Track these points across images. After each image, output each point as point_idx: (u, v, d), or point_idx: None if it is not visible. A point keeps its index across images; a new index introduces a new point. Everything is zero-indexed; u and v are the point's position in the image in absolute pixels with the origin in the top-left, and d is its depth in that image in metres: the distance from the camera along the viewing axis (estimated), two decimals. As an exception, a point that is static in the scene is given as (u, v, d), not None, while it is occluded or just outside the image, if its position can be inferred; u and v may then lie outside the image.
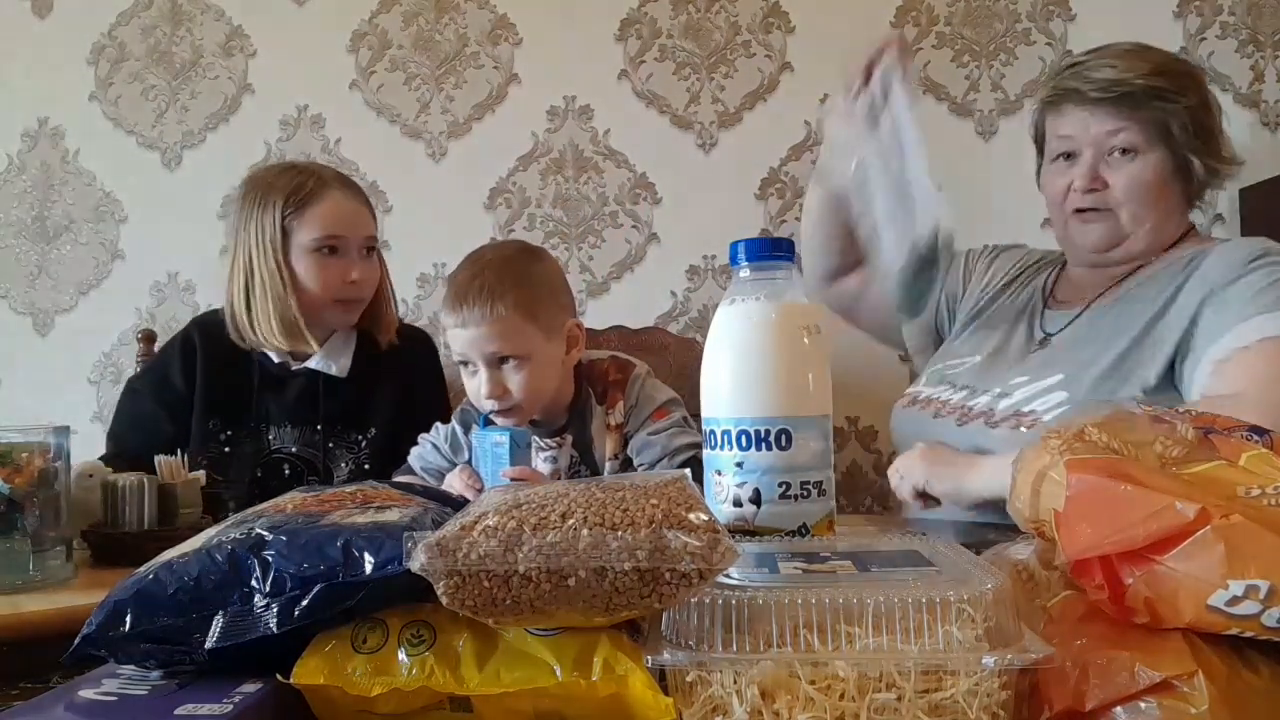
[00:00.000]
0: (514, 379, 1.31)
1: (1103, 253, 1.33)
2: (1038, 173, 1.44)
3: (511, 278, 1.33)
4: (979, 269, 1.55)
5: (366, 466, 1.58)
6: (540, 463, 1.38)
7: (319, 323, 1.57)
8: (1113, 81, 1.26)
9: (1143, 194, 1.28)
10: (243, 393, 1.58)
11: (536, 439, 1.38)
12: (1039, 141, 1.43)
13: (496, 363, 1.30)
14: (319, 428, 1.58)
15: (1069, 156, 1.32)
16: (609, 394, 1.41)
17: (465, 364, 1.33)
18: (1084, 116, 1.29)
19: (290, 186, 1.53)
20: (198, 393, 1.58)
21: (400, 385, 1.64)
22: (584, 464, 1.42)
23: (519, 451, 1.25)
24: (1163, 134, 1.27)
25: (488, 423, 1.34)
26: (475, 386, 1.32)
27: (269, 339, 1.54)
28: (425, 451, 1.47)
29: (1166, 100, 1.26)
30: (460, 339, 1.30)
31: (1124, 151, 1.27)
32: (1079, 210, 1.32)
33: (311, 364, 1.59)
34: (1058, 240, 1.44)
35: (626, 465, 1.39)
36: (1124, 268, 1.34)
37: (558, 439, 1.41)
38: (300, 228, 1.53)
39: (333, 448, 1.58)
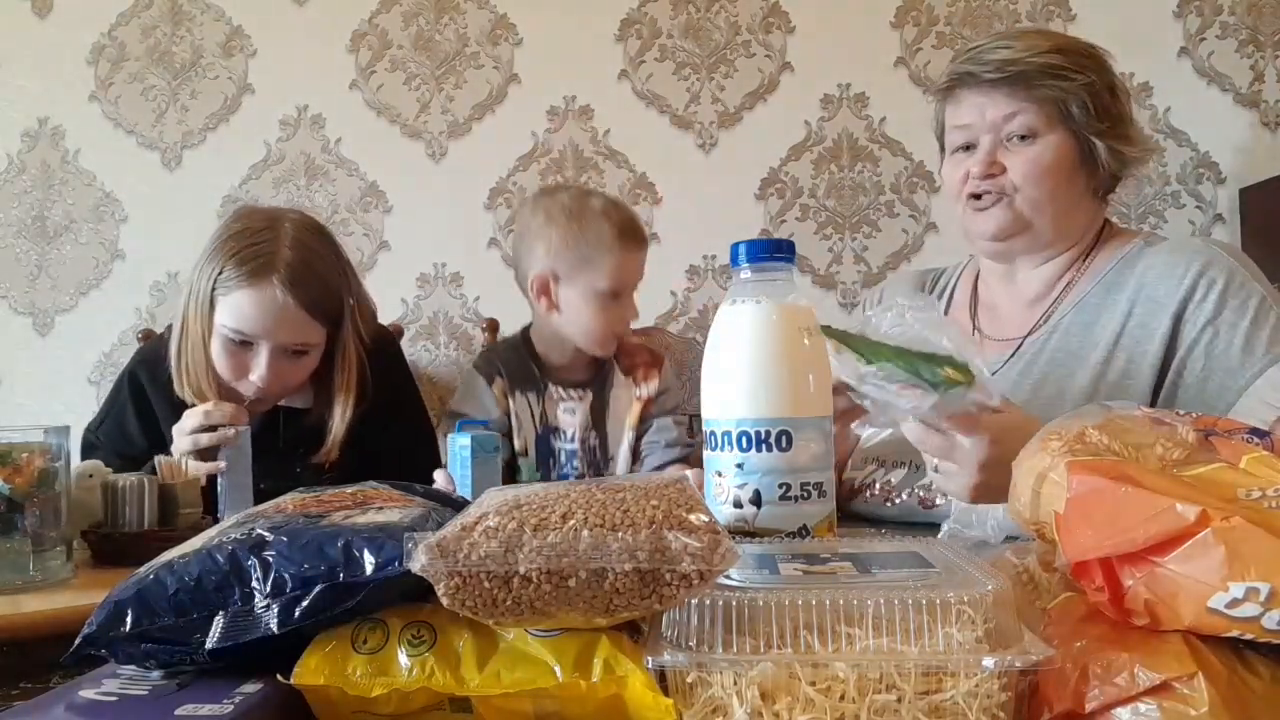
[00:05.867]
0: (634, 304, 1.56)
1: (1001, 241, 1.23)
2: (939, 171, 1.36)
3: None
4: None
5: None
6: (561, 413, 1.53)
7: (238, 398, 1.44)
8: (1006, 61, 1.18)
9: (1040, 177, 1.18)
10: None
11: (560, 390, 1.55)
12: (940, 137, 1.33)
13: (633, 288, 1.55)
14: (283, 456, 1.47)
15: (968, 148, 1.23)
16: (642, 370, 1.57)
17: (613, 295, 1.51)
18: (979, 101, 1.20)
19: (237, 256, 1.38)
20: (165, 433, 1.44)
21: (366, 399, 1.51)
22: (594, 429, 1.54)
23: (483, 455, 1.26)
24: (1061, 114, 1.18)
25: (463, 428, 1.36)
26: (619, 314, 1.53)
27: (183, 398, 1.43)
28: None
29: (1063, 78, 1.17)
30: (628, 267, 1.51)
31: (1022, 137, 1.18)
32: (974, 196, 1.21)
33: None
34: (964, 236, 1.32)
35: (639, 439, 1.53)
36: (1051, 289, 1.26)
37: (579, 392, 1.55)
38: (221, 305, 1.39)
39: (300, 473, 1.44)
